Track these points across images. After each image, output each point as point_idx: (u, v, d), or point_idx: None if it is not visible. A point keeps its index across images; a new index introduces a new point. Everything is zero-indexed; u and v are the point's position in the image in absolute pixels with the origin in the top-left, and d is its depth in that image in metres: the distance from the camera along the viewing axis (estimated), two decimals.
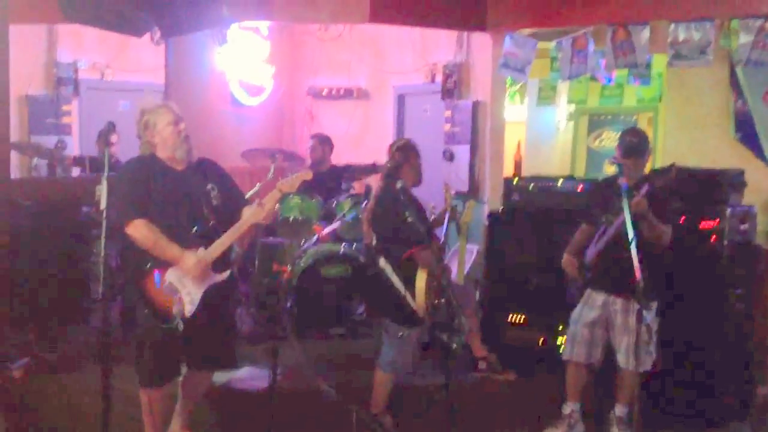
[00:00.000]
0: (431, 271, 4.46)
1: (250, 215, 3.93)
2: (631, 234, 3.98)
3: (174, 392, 4.11)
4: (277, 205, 4.10)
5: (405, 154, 4.73)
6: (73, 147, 7.87)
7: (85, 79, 8.12)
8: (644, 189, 4.22)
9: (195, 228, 3.83)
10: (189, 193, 3.91)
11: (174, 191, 3.88)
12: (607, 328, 4.60)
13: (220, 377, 4.64)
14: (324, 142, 7.31)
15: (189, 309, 3.78)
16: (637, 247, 3.96)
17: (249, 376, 5.06)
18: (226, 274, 3.94)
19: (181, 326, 3.74)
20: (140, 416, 4.03)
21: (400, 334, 4.56)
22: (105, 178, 3.61)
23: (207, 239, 3.85)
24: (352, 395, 4.73)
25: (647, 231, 4.28)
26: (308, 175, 4.06)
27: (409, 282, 4.43)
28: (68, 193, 5.80)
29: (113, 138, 6.72)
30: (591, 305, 4.62)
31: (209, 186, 3.98)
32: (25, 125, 7.63)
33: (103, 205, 3.63)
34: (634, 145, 4.52)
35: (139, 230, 3.75)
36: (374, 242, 4.67)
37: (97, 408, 3.63)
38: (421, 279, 4.41)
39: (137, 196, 3.79)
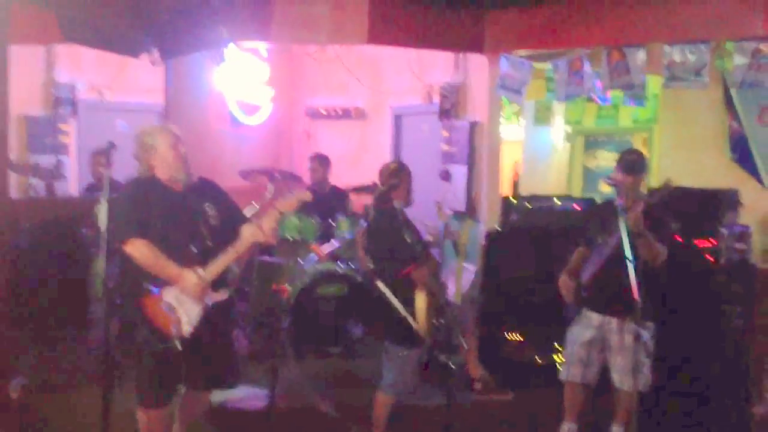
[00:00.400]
0: (430, 289, 4.48)
1: (249, 235, 3.94)
2: (629, 253, 3.99)
3: (172, 412, 4.10)
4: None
5: (398, 176, 4.76)
6: (71, 167, 7.88)
7: (84, 100, 8.14)
8: (640, 206, 4.24)
9: (193, 248, 3.84)
10: (187, 214, 3.92)
11: (173, 211, 3.89)
12: (603, 348, 4.61)
13: (217, 397, 4.62)
14: (324, 163, 7.34)
15: (187, 329, 3.79)
16: (635, 267, 3.97)
17: (246, 395, 5.05)
18: (225, 293, 3.94)
19: (179, 346, 3.73)
20: None
21: (400, 355, 4.56)
22: (105, 199, 3.62)
23: (205, 259, 3.85)
24: (350, 415, 4.74)
25: (643, 249, 4.30)
26: (307, 196, 4.07)
27: (408, 302, 4.43)
28: (66, 214, 5.79)
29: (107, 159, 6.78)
30: (586, 325, 4.63)
31: (207, 206, 3.99)
32: (24, 145, 7.64)
33: (102, 225, 3.64)
34: (635, 162, 4.55)
35: (139, 250, 3.75)
36: (370, 265, 4.68)
37: (96, 428, 3.62)
38: (420, 299, 4.42)
39: (137, 216, 3.80)
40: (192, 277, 3.77)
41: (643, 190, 4.68)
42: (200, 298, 3.82)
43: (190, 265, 3.80)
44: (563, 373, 4.70)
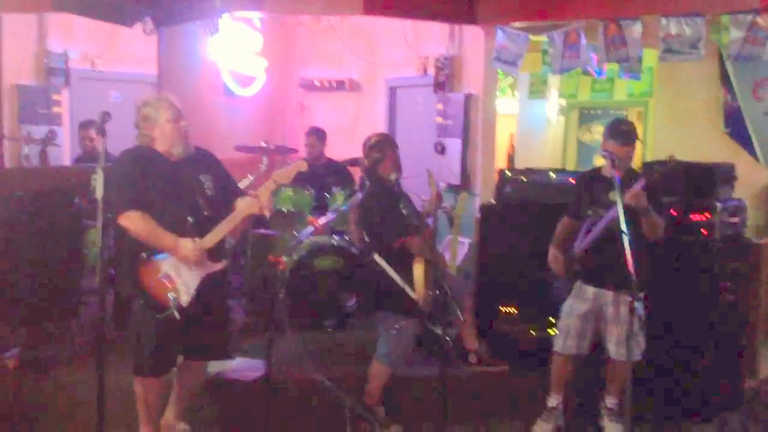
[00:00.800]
0: (427, 259, 4.49)
1: (246, 206, 3.94)
2: (624, 226, 3.99)
3: (169, 382, 4.12)
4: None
5: (381, 149, 4.73)
6: (64, 137, 7.84)
7: (76, 69, 8.08)
8: (641, 182, 4.24)
9: (190, 218, 3.84)
10: (184, 184, 3.92)
11: (169, 182, 3.88)
12: (596, 319, 4.63)
13: (213, 367, 4.64)
14: (321, 137, 7.32)
15: (185, 299, 3.79)
16: (630, 241, 3.98)
17: (242, 366, 5.07)
18: (222, 263, 3.94)
19: (176, 316, 3.74)
20: (134, 407, 4.03)
21: (397, 325, 4.57)
22: (101, 168, 3.60)
23: (202, 229, 3.85)
24: (345, 387, 4.76)
25: (647, 225, 4.31)
26: (303, 166, 4.06)
27: (405, 273, 4.44)
28: (60, 183, 5.76)
29: (93, 132, 6.75)
30: (582, 297, 4.64)
31: (203, 176, 3.99)
32: (16, 115, 7.59)
33: (99, 195, 3.62)
34: (630, 132, 4.53)
35: (134, 221, 3.75)
36: (361, 237, 4.69)
37: (92, 399, 3.63)
38: (418, 268, 4.44)
39: (132, 187, 3.79)
40: (188, 244, 3.77)
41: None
42: (198, 266, 3.82)
43: (186, 235, 3.80)
44: (558, 344, 4.73)
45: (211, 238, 3.86)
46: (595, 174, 4.75)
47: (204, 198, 3.93)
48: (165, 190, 3.86)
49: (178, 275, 3.80)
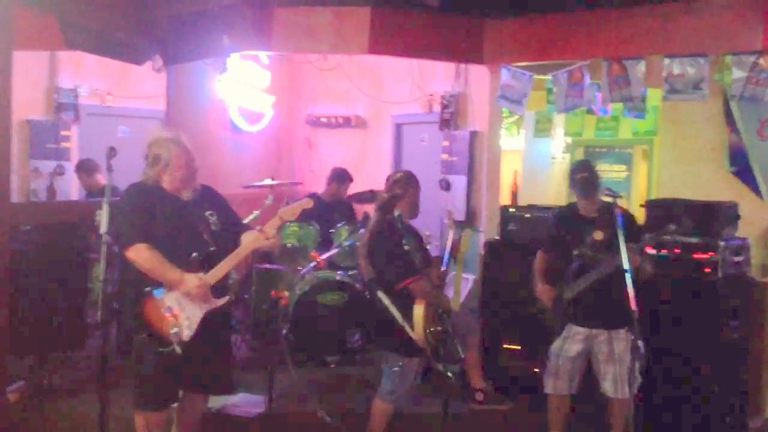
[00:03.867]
0: (429, 300, 4.48)
1: (251, 240, 3.96)
2: (626, 265, 4.00)
3: (171, 416, 4.11)
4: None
5: (403, 187, 4.72)
6: (72, 172, 7.90)
7: (86, 105, 8.17)
8: (636, 261, 4.24)
9: (195, 254, 3.86)
10: (189, 220, 3.95)
11: (175, 217, 3.91)
12: (587, 359, 4.62)
13: (215, 403, 4.64)
14: (345, 181, 7.37)
15: (187, 333, 3.80)
16: (631, 276, 3.97)
17: (244, 402, 5.06)
18: (226, 299, 3.96)
19: (178, 350, 3.75)
20: None
21: (400, 363, 4.56)
22: (106, 203, 3.64)
23: (207, 264, 3.87)
24: (347, 422, 4.74)
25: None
26: (309, 204, 4.10)
27: (408, 311, 4.43)
28: (67, 218, 5.81)
29: (84, 174, 6.82)
30: (573, 339, 4.63)
31: (208, 212, 4.02)
32: (25, 150, 7.66)
33: (103, 229, 3.65)
34: (588, 180, 4.55)
35: (141, 254, 3.77)
36: (371, 275, 4.68)
37: (95, 430, 3.63)
38: (418, 309, 4.42)
39: (140, 220, 3.82)
40: (194, 280, 3.79)
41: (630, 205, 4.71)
42: (203, 301, 3.83)
43: (191, 270, 3.82)
44: (548, 387, 4.71)
45: (216, 273, 3.88)
46: (571, 211, 4.77)
47: (209, 233, 3.96)
48: (170, 225, 3.89)
49: (182, 309, 3.82)
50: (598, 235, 4.17)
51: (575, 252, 4.56)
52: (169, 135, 4.05)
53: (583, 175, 4.57)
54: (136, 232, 3.80)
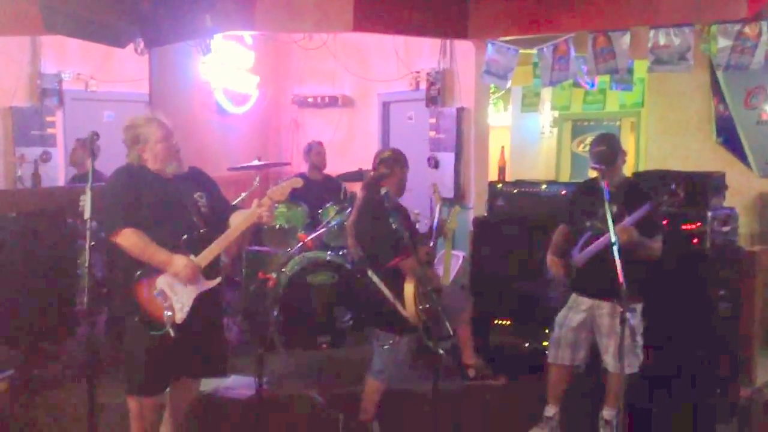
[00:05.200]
0: (419, 278, 4.47)
1: (241, 221, 3.94)
2: (613, 237, 4.00)
3: (164, 401, 4.11)
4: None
5: (390, 166, 4.71)
6: (58, 158, 7.86)
7: (70, 90, 8.11)
8: (645, 209, 4.24)
9: (184, 236, 3.84)
10: (178, 202, 3.92)
11: (163, 199, 3.88)
12: (591, 330, 4.64)
13: (207, 386, 4.63)
14: (316, 149, 7.32)
15: (180, 316, 3.78)
16: (619, 250, 3.98)
17: (236, 384, 5.06)
18: (217, 280, 3.94)
19: (172, 333, 3.73)
20: (127, 428, 4.01)
21: (390, 341, 4.57)
22: (89, 188, 3.60)
23: (197, 246, 3.85)
24: (339, 403, 4.75)
25: (641, 252, 4.33)
26: (298, 183, 4.08)
27: (398, 289, 4.43)
28: (53, 204, 5.77)
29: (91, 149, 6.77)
30: (576, 309, 4.65)
31: (197, 194, 3.99)
32: (10, 137, 7.61)
33: (87, 215, 3.62)
34: (604, 153, 4.54)
35: (128, 238, 3.75)
36: (360, 253, 4.67)
37: (84, 420, 3.62)
38: (409, 286, 4.42)
39: (126, 205, 3.79)
40: (182, 260, 3.77)
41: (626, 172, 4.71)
42: (193, 282, 3.81)
43: (182, 253, 3.80)
44: (551, 355, 4.73)
45: (206, 255, 3.86)
46: (591, 184, 4.76)
47: (198, 215, 3.94)
48: (159, 207, 3.86)
49: (173, 293, 3.80)
50: (606, 208, 4.17)
51: (587, 224, 4.57)
52: (142, 115, 4.02)
53: (600, 149, 4.57)
54: (122, 217, 3.77)
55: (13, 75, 7.58)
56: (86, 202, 3.58)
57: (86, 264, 3.65)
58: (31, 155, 7.35)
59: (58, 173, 7.86)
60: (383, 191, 4.51)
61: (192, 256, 3.82)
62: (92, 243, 3.61)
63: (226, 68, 8.46)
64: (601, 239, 4.41)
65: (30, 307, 5.22)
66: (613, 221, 4.09)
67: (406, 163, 4.81)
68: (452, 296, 5.20)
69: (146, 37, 5.88)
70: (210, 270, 3.91)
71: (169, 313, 3.74)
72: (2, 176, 7.43)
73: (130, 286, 3.80)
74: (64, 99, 8.08)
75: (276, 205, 4.19)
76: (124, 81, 8.10)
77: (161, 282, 3.79)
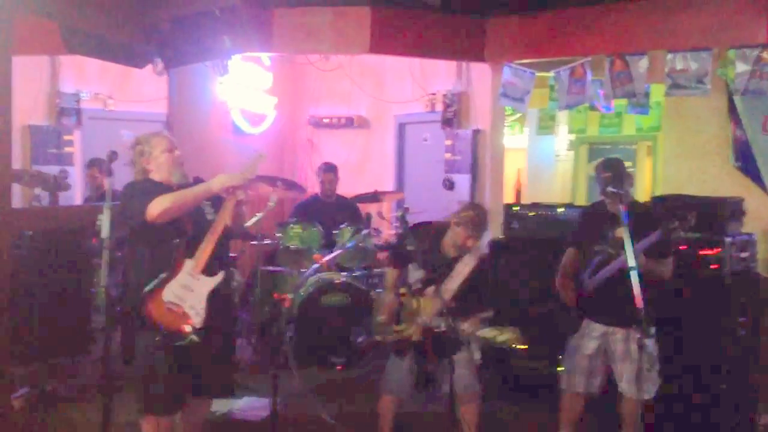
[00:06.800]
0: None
1: (221, 210, 3.93)
2: (632, 262, 3.96)
3: (175, 420, 4.09)
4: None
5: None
6: (75, 177, 7.90)
7: (88, 109, 8.17)
8: (644, 242, 4.21)
9: (176, 240, 3.82)
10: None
11: None
12: (605, 357, 4.59)
13: (220, 407, 4.62)
14: (336, 172, 7.32)
15: (198, 320, 3.76)
16: (639, 275, 3.94)
17: (249, 405, 5.05)
18: (220, 275, 3.90)
19: (196, 339, 3.72)
20: None
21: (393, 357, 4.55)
22: (107, 208, 3.62)
23: (192, 249, 3.84)
24: (353, 424, 4.72)
25: (651, 274, 4.29)
26: (262, 159, 4.16)
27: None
28: (70, 223, 5.80)
29: (97, 170, 6.82)
30: (589, 336, 4.60)
31: (203, 203, 3.99)
32: (28, 155, 7.66)
33: (104, 234, 3.63)
34: (614, 179, 4.50)
35: (160, 203, 3.71)
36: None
37: None
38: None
39: (147, 194, 3.78)
40: (220, 177, 3.83)
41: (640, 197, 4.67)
42: (198, 289, 3.78)
43: (178, 258, 3.79)
44: (564, 383, 4.68)
45: (201, 254, 3.83)
46: (599, 208, 4.73)
47: (205, 223, 3.94)
48: None
49: (183, 300, 3.78)
50: (620, 233, 4.13)
51: (596, 248, 4.54)
52: (146, 132, 4.09)
53: (607, 175, 4.54)
54: (143, 200, 3.73)
55: (32, 94, 7.65)
56: (104, 222, 3.59)
57: (102, 283, 3.65)
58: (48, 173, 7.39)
59: (74, 192, 7.90)
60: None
61: (189, 260, 3.81)
62: (107, 262, 3.62)
63: (243, 89, 8.51)
64: (613, 264, 4.37)
65: (45, 325, 5.23)
66: (624, 246, 4.05)
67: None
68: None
69: (165, 58, 5.94)
70: (211, 267, 3.88)
71: (186, 321, 3.73)
72: (19, 194, 7.47)
73: (142, 303, 3.80)
74: (82, 118, 8.14)
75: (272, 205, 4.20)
76: (141, 101, 8.16)
77: (168, 294, 3.77)
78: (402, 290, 4.38)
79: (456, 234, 4.41)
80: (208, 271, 3.87)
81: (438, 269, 4.43)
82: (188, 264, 3.81)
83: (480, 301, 4.41)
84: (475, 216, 4.37)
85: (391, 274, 4.60)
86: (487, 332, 4.23)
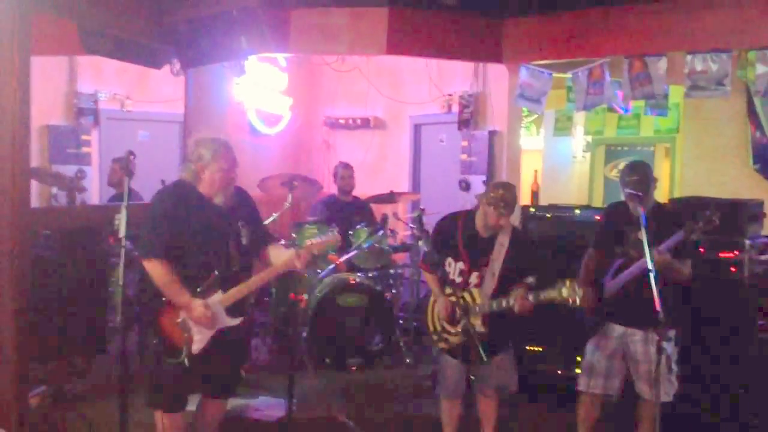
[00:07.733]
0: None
1: (281, 264, 3.97)
2: (650, 265, 3.93)
3: (188, 420, 4.10)
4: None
5: None
6: (93, 177, 7.94)
7: (106, 110, 8.20)
8: (678, 237, 4.18)
9: (216, 272, 3.82)
10: (220, 230, 3.89)
11: (207, 225, 3.85)
12: (624, 358, 4.56)
13: (235, 406, 4.62)
14: (352, 170, 7.32)
15: (196, 348, 3.79)
16: (656, 277, 3.92)
17: (265, 405, 5.05)
18: (239, 320, 3.92)
19: (186, 363, 3.74)
20: None
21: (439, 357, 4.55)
22: (125, 207, 3.63)
23: (227, 284, 3.85)
24: (368, 426, 4.71)
25: (672, 275, 4.25)
26: (336, 240, 4.23)
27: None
28: (88, 222, 5.83)
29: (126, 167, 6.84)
30: (608, 336, 4.57)
31: (240, 223, 3.96)
32: (46, 155, 7.70)
33: (121, 234, 3.64)
34: (641, 182, 4.46)
35: (155, 269, 3.74)
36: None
37: None
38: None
39: (162, 230, 3.77)
40: (199, 309, 3.75)
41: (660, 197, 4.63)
42: (209, 327, 3.81)
43: (211, 287, 3.79)
44: (582, 384, 4.65)
45: (234, 294, 3.85)
46: (620, 209, 4.69)
47: (237, 247, 3.91)
48: (200, 234, 3.82)
49: (195, 326, 3.80)
50: (642, 235, 4.10)
51: (618, 250, 4.51)
52: (218, 137, 3.99)
53: (633, 178, 4.50)
54: (156, 244, 3.75)
55: (50, 94, 7.69)
56: (121, 221, 3.60)
57: (119, 282, 3.66)
58: (66, 173, 7.43)
59: (92, 192, 7.94)
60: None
61: (220, 292, 3.81)
62: (125, 261, 3.63)
63: (259, 89, 8.53)
64: (634, 266, 4.35)
65: (63, 324, 5.25)
66: (647, 247, 4.02)
67: None
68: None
69: (182, 59, 5.96)
70: (235, 308, 3.90)
71: (187, 344, 3.76)
72: (37, 194, 7.51)
73: (156, 310, 3.81)
74: (100, 118, 8.17)
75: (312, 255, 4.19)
76: (159, 101, 8.18)
77: (184, 314, 3.80)
78: (448, 290, 4.38)
79: (487, 214, 4.37)
80: (232, 310, 3.88)
81: (476, 254, 4.44)
82: (216, 297, 3.82)
83: (521, 273, 4.37)
84: (506, 193, 4.33)
85: (430, 279, 4.56)
86: (548, 294, 4.17)
